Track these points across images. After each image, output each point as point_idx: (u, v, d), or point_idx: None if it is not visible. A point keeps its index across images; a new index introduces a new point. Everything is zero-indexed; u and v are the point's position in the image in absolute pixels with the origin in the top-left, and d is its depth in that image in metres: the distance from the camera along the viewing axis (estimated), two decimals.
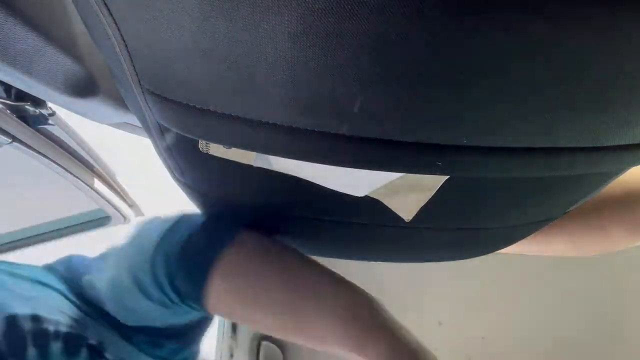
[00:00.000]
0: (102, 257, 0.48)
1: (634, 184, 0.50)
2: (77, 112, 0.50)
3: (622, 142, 0.25)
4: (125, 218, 1.13)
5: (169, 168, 0.39)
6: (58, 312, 0.41)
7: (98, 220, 1.13)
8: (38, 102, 0.59)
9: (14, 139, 0.68)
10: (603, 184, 0.38)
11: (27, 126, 0.70)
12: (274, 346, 1.28)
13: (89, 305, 0.44)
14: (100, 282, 0.44)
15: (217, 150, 0.31)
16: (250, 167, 0.32)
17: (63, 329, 0.39)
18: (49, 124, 0.71)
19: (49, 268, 0.47)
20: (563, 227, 0.52)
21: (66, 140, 0.83)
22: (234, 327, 1.15)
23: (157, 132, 0.32)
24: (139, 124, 0.40)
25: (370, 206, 0.36)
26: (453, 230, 0.42)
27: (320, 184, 0.34)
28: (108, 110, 0.50)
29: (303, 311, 0.40)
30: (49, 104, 0.62)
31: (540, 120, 0.22)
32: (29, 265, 0.46)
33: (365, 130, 0.22)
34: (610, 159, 0.26)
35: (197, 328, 0.49)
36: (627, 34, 0.17)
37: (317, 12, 0.17)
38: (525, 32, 0.17)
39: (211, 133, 0.25)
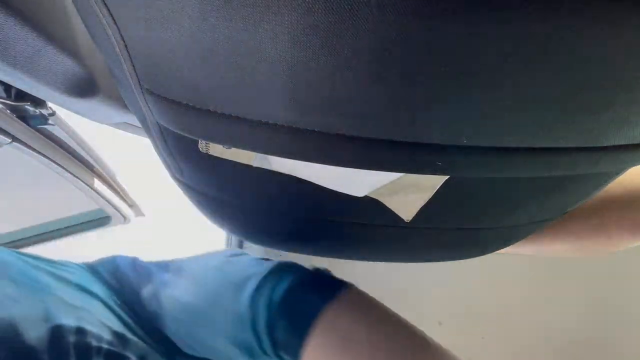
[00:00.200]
0: (164, 268, 0.47)
1: (634, 184, 0.50)
2: (77, 112, 0.50)
3: (622, 142, 0.25)
4: (125, 218, 1.13)
5: (168, 168, 0.39)
6: (101, 325, 0.40)
7: (98, 220, 1.13)
8: (38, 102, 0.59)
9: (14, 139, 0.68)
10: (603, 184, 0.38)
11: (27, 126, 0.70)
12: None
13: (136, 317, 0.43)
14: (169, 301, 0.43)
15: (217, 150, 0.31)
16: (250, 167, 0.32)
17: (105, 345, 0.39)
18: (49, 124, 0.71)
19: (93, 270, 0.46)
20: (563, 227, 0.52)
21: (66, 140, 0.82)
22: None
23: (157, 132, 0.32)
24: (139, 124, 0.40)
25: (370, 206, 0.36)
26: (453, 230, 0.42)
27: (320, 184, 0.34)
28: (108, 110, 0.50)
29: None
30: (49, 104, 0.62)
31: (541, 120, 0.22)
32: (72, 266, 0.45)
33: (365, 130, 0.22)
34: (610, 159, 0.26)
35: None
36: (626, 34, 0.17)
37: (317, 12, 0.17)
38: (525, 32, 0.17)
39: (211, 133, 0.25)
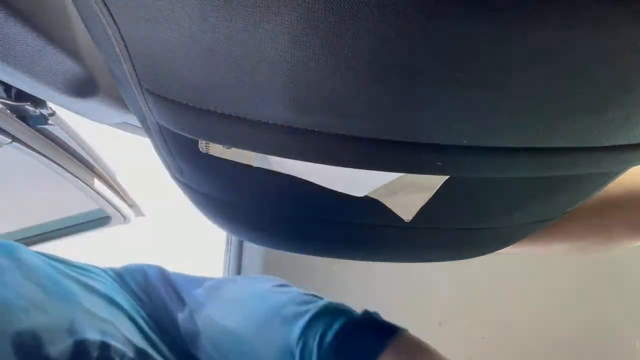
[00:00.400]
0: (195, 283, 0.46)
1: (634, 184, 0.50)
2: (77, 112, 0.50)
3: (622, 142, 0.25)
4: (125, 218, 1.13)
5: (168, 168, 0.39)
6: (125, 340, 0.40)
7: (98, 220, 1.13)
8: (38, 102, 0.59)
9: (14, 139, 0.68)
10: (603, 184, 0.38)
11: (27, 126, 0.70)
12: None
13: (160, 334, 0.43)
14: (205, 322, 0.43)
15: (217, 150, 0.31)
16: (250, 167, 0.32)
17: None
18: (49, 124, 0.71)
19: (120, 279, 0.46)
20: (563, 227, 0.52)
21: (66, 140, 0.82)
22: None
23: (156, 132, 0.32)
24: (139, 124, 0.40)
25: (370, 206, 0.36)
26: (453, 230, 0.42)
27: (320, 184, 0.34)
28: (108, 110, 0.50)
29: None
30: (49, 104, 0.62)
31: (541, 120, 0.22)
32: (99, 273, 0.45)
33: (365, 130, 0.22)
34: (610, 159, 0.26)
35: None
36: (626, 34, 0.17)
37: (317, 12, 0.17)
38: (525, 33, 0.17)
39: (211, 133, 0.25)
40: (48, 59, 0.39)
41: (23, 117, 0.67)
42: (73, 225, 1.13)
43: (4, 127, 0.65)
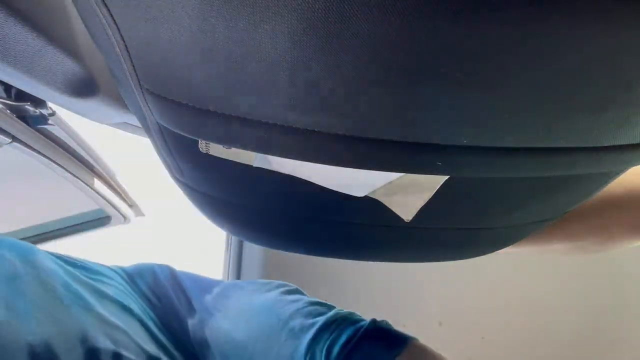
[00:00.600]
0: (204, 289, 0.46)
1: (634, 184, 0.50)
2: (77, 112, 0.50)
3: (622, 142, 0.25)
4: (125, 218, 1.13)
5: (168, 168, 0.39)
6: (137, 349, 0.40)
7: (98, 220, 1.13)
8: (38, 102, 0.59)
9: (14, 139, 0.68)
10: (603, 184, 0.38)
11: (27, 126, 0.70)
12: None
13: (172, 338, 0.43)
14: (214, 332, 0.42)
15: (217, 150, 0.31)
16: (250, 167, 0.32)
17: None
18: (49, 124, 0.71)
19: (131, 280, 0.45)
20: (563, 227, 0.52)
21: (66, 140, 0.82)
22: None
23: (156, 132, 0.32)
24: (139, 124, 0.40)
25: (370, 206, 0.36)
26: (453, 230, 0.42)
27: (320, 184, 0.34)
28: (108, 110, 0.50)
29: None
30: (49, 104, 0.62)
31: (541, 120, 0.22)
32: (111, 276, 0.44)
33: (365, 130, 0.22)
34: (610, 159, 0.26)
35: None
36: (626, 34, 0.17)
37: (317, 12, 0.17)
38: (525, 33, 0.17)
39: (211, 133, 0.25)
40: (48, 59, 0.39)
41: (23, 117, 0.67)
42: (73, 225, 1.13)
43: (4, 127, 0.65)
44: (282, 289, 0.49)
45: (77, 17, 0.40)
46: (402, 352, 0.41)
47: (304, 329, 0.41)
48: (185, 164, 0.36)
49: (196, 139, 0.29)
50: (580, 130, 0.23)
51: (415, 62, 0.18)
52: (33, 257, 0.40)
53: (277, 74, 0.20)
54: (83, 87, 0.44)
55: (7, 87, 0.54)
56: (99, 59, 0.43)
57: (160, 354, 0.41)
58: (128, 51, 0.23)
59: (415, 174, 0.32)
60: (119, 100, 0.49)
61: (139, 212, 1.16)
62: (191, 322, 0.44)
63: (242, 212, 0.44)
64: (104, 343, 0.37)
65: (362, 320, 0.45)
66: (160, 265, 0.50)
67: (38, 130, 0.74)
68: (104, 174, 0.99)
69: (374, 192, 0.35)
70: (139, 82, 0.25)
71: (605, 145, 0.25)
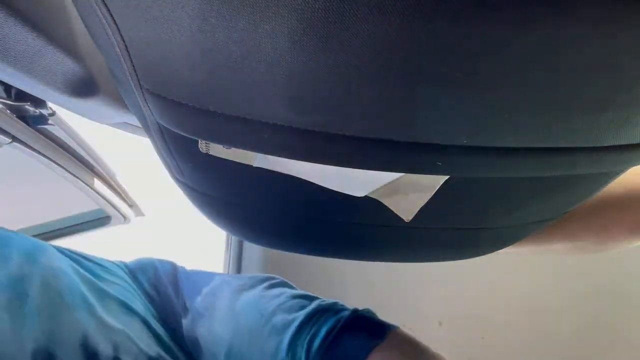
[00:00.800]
0: (197, 289, 0.46)
1: (634, 184, 0.50)
2: (77, 112, 0.50)
3: (622, 142, 0.25)
4: (125, 218, 1.13)
5: (168, 168, 0.39)
6: (138, 352, 0.40)
7: (98, 220, 1.13)
8: (38, 102, 0.59)
9: (14, 139, 0.68)
10: (603, 184, 0.38)
11: (27, 126, 0.70)
12: None
13: (172, 335, 0.43)
14: (204, 333, 0.42)
15: (217, 150, 0.31)
16: (250, 167, 0.32)
17: None
18: (49, 124, 0.71)
19: (133, 277, 0.45)
20: (563, 227, 0.52)
21: (66, 140, 0.82)
22: None
23: (156, 132, 0.32)
24: (139, 124, 0.40)
25: (370, 206, 0.36)
26: (453, 230, 0.42)
27: (320, 184, 0.34)
28: (108, 110, 0.50)
29: None
30: (49, 104, 0.62)
31: (541, 120, 0.22)
32: (114, 272, 0.44)
33: (365, 130, 0.22)
34: (610, 159, 0.26)
35: None
36: (626, 34, 0.17)
37: (317, 12, 0.17)
38: (525, 33, 0.17)
39: (211, 133, 0.25)
40: (48, 59, 0.39)
41: (23, 117, 0.67)
42: (73, 225, 1.13)
43: (4, 127, 0.65)
44: (266, 284, 0.48)
45: (77, 17, 0.40)
46: (382, 342, 0.40)
47: (285, 325, 0.41)
48: (185, 164, 0.36)
49: (196, 139, 0.29)
50: (580, 130, 0.23)
51: (415, 62, 0.18)
52: (41, 256, 0.40)
53: (277, 74, 0.20)
54: (83, 87, 0.44)
55: (7, 87, 0.54)
56: (99, 59, 0.43)
57: (162, 354, 0.41)
58: (128, 51, 0.23)
59: (415, 174, 0.32)
60: (119, 100, 0.49)
61: (139, 212, 1.16)
62: (185, 322, 0.44)
63: (242, 212, 0.44)
64: (104, 348, 0.37)
65: (345, 309, 0.45)
66: (161, 261, 0.50)
67: (38, 130, 0.74)
68: (104, 174, 0.99)
69: (374, 192, 0.35)
70: (139, 82, 0.25)
71: (606, 145, 0.25)
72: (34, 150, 0.75)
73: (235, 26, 0.18)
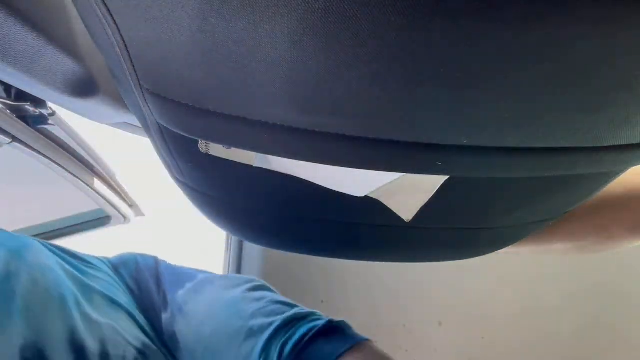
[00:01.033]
0: (179, 283, 0.46)
1: (634, 184, 0.50)
2: (77, 112, 0.50)
3: (622, 142, 0.25)
4: (125, 218, 1.13)
5: (168, 168, 0.39)
6: (125, 343, 0.40)
7: (98, 220, 1.13)
8: (38, 102, 0.59)
9: (14, 139, 0.68)
10: (603, 184, 0.38)
11: (27, 126, 0.70)
12: None
13: (153, 329, 0.43)
14: (183, 328, 0.43)
15: (217, 150, 0.31)
16: (250, 167, 0.32)
17: None
18: (49, 124, 0.71)
19: (117, 272, 0.46)
20: (563, 227, 0.52)
21: (66, 140, 0.83)
22: None
23: (156, 132, 0.32)
24: (139, 124, 0.40)
25: (370, 206, 0.36)
26: (453, 230, 0.42)
27: (320, 184, 0.34)
28: (108, 110, 0.50)
29: None
30: (49, 104, 0.62)
31: (541, 120, 0.22)
32: (99, 268, 0.45)
33: (365, 130, 0.22)
34: (611, 159, 0.26)
35: None
36: (626, 33, 0.17)
37: (317, 12, 0.17)
38: (525, 33, 0.17)
39: (211, 133, 0.25)
40: (48, 59, 0.39)
41: (23, 117, 0.67)
42: (73, 225, 1.13)
43: (4, 127, 0.65)
44: (248, 285, 0.49)
45: (77, 17, 0.40)
46: (348, 351, 0.41)
47: (262, 329, 0.42)
48: (185, 164, 0.36)
49: (196, 139, 0.29)
50: (580, 130, 0.23)
51: (415, 62, 0.18)
52: (28, 253, 0.40)
53: (277, 74, 0.20)
54: (83, 87, 0.44)
55: (7, 87, 0.54)
56: (99, 59, 0.43)
57: (148, 344, 0.41)
58: (128, 51, 0.23)
59: (415, 174, 0.32)
60: (119, 100, 0.49)
61: (139, 212, 1.16)
62: (164, 316, 0.44)
63: (242, 212, 0.44)
64: (91, 342, 0.38)
65: (320, 319, 0.45)
66: (143, 255, 0.51)
67: (38, 130, 0.74)
68: (104, 174, 0.99)
69: (374, 192, 0.35)
70: (139, 82, 0.25)
71: (606, 145, 0.25)
72: (34, 150, 0.75)
73: (235, 26, 0.18)
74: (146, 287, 0.46)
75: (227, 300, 0.45)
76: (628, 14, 0.16)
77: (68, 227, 1.13)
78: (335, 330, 0.44)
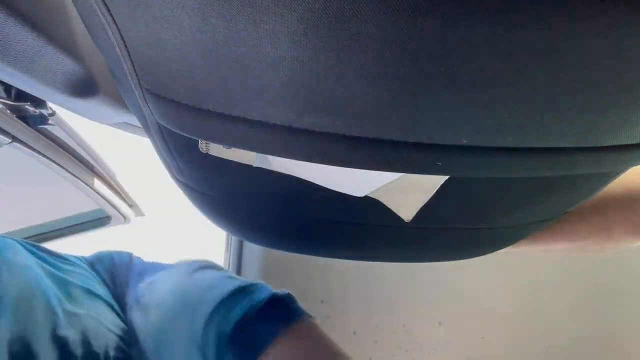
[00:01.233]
0: (141, 276, 0.47)
1: (635, 184, 0.50)
2: (77, 112, 0.50)
3: (622, 142, 0.25)
4: (125, 218, 1.13)
5: (168, 168, 0.39)
6: (106, 331, 0.41)
7: (98, 220, 1.13)
8: (38, 102, 0.59)
9: (14, 139, 0.68)
10: (603, 184, 0.38)
11: (27, 126, 0.70)
12: None
13: (126, 322, 0.44)
14: (138, 320, 0.43)
15: (217, 150, 0.31)
16: (250, 167, 0.32)
17: (111, 352, 0.40)
18: (49, 124, 0.71)
19: (93, 268, 0.47)
20: (563, 227, 0.52)
21: (66, 140, 0.83)
22: None
23: (156, 132, 0.32)
24: (139, 124, 0.40)
25: (370, 206, 0.36)
26: (452, 230, 0.42)
27: (320, 184, 0.34)
28: (108, 110, 0.50)
29: None
30: (49, 104, 0.62)
31: (541, 120, 0.22)
32: (77, 264, 0.45)
33: (366, 130, 0.22)
34: (611, 159, 0.26)
35: None
36: (627, 34, 0.17)
37: (317, 12, 0.17)
38: (525, 33, 0.17)
39: (211, 133, 0.25)
40: (48, 59, 0.39)
41: (23, 117, 0.67)
42: (73, 225, 1.13)
43: (4, 127, 0.65)
44: (195, 266, 0.49)
45: (77, 17, 0.40)
46: (288, 330, 0.41)
47: (202, 305, 0.41)
48: (185, 164, 0.36)
49: (196, 139, 0.29)
50: (580, 131, 0.23)
51: (416, 62, 0.18)
52: (7, 252, 0.41)
53: (276, 73, 0.20)
54: (83, 87, 0.44)
55: (7, 87, 0.54)
56: (99, 59, 0.43)
57: (127, 329, 0.42)
58: (128, 51, 0.23)
59: (415, 174, 0.32)
60: (119, 100, 0.49)
61: (139, 212, 1.16)
62: (127, 308, 0.45)
63: (242, 212, 0.44)
64: (73, 334, 0.39)
65: (263, 290, 0.44)
66: (119, 252, 0.51)
67: (38, 130, 0.74)
68: (104, 174, 0.99)
69: (374, 192, 0.35)
70: (139, 82, 0.25)
71: (606, 145, 0.25)
72: (34, 150, 0.75)
73: (235, 26, 0.18)
74: (120, 283, 0.47)
75: (173, 285, 0.45)
76: (628, 13, 0.16)
77: (68, 227, 1.13)
78: (277, 306, 0.43)
